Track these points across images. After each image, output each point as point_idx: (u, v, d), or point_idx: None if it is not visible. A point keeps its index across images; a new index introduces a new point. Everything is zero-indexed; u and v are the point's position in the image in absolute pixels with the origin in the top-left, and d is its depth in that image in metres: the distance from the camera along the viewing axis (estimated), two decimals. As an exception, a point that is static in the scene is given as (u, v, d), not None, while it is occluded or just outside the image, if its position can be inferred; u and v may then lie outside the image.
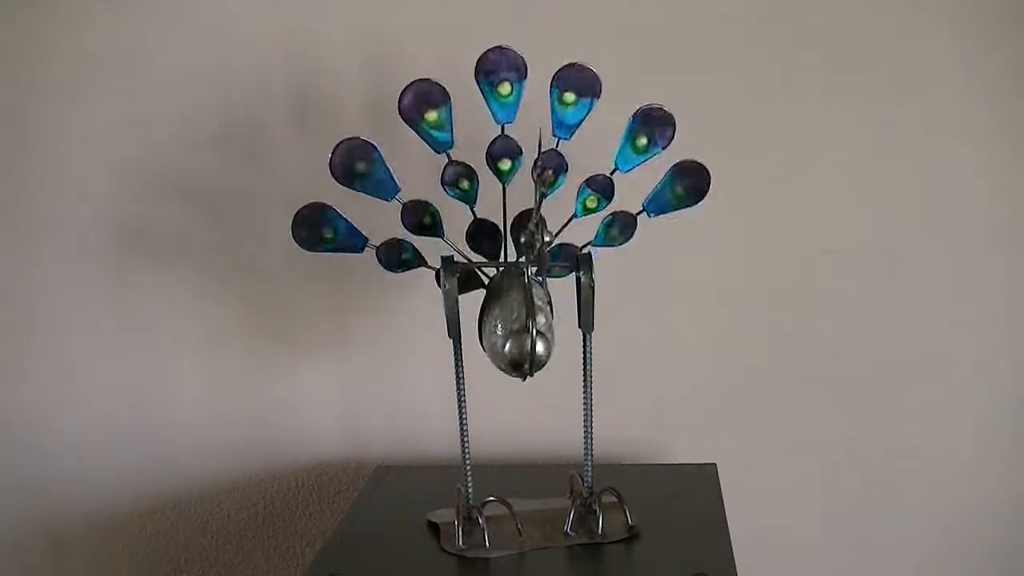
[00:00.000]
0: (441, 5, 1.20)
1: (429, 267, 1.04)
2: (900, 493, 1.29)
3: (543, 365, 0.94)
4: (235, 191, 1.25)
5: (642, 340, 1.25)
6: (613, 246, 1.05)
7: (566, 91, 1.00)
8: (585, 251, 1.03)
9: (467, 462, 1.04)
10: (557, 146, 1.02)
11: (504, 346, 0.94)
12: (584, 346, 1.04)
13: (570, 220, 1.03)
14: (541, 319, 0.93)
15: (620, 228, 1.05)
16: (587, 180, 1.03)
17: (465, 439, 1.04)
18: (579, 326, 1.03)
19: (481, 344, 1.00)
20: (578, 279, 1.01)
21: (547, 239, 0.92)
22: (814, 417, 1.27)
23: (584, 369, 1.05)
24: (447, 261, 1.00)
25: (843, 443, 1.28)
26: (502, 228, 1.05)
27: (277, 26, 1.22)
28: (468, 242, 1.06)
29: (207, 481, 1.33)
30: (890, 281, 1.23)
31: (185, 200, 1.26)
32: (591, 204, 1.04)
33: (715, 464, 1.19)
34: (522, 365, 0.93)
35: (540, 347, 0.92)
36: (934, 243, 1.22)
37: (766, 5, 1.18)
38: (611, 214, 1.04)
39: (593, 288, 1.01)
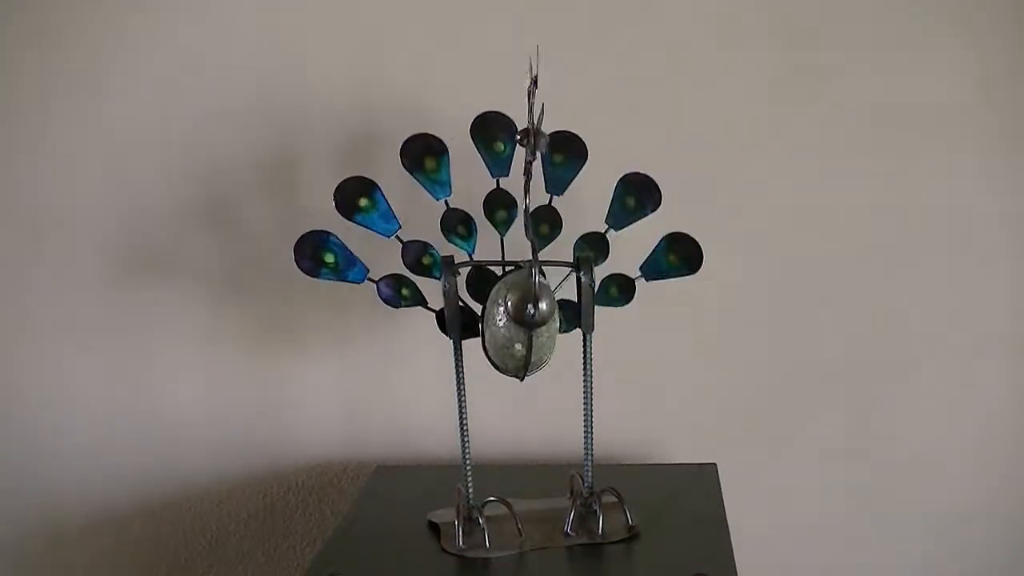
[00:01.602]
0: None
1: (429, 309, 1.05)
2: (900, 493, 1.29)
3: (545, 320, 0.95)
4: (236, 192, 1.25)
5: (642, 340, 1.25)
6: (614, 306, 1.06)
7: (555, 152, 1.04)
8: (585, 252, 1.04)
9: (467, 462, 1.04)
10: (551, 202, 1.05)
11: (507, 297, 0.94)
12: (584, 346, 1.04)
13: (568, 275, 1.05)
14: (544, 280, 0.94)
15: (619, 290, 1.06)
16: (582, 237, 1.06)
17: (465, 439, 1.04)
18: (579, 326, 1.03)
19: (483, 345, 1.00)
20: (578, 279, 1.01)
21: (544, 138, 0.92)
22: (814, 417, 1.27)
23: (584, 369, 1.05)
24: (447, 261, 1.01)
25: (843, 443, 1.28)
26: (501, 275, 1.05)
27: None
28: (468, 289, 1.06)
29: (207, 481, 1.33)
30: (890, 281, 1.24)
31: (185, 200, 1.26)
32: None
33: (715, 464, 1.19)
34: (526, 310, 0.93)
35: (544, 303, 0.93)
36: (934, 243, 1.22)
37: (766, 5, 1.18)
38: (609, 276, 1.06)
39: (593, 288, 1.01)
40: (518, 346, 0.97)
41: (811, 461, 1.29)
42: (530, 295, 0.93)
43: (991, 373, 1.25)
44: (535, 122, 0.91)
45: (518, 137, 0.93)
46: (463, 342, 1.03)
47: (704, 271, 1.23)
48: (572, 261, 1.03)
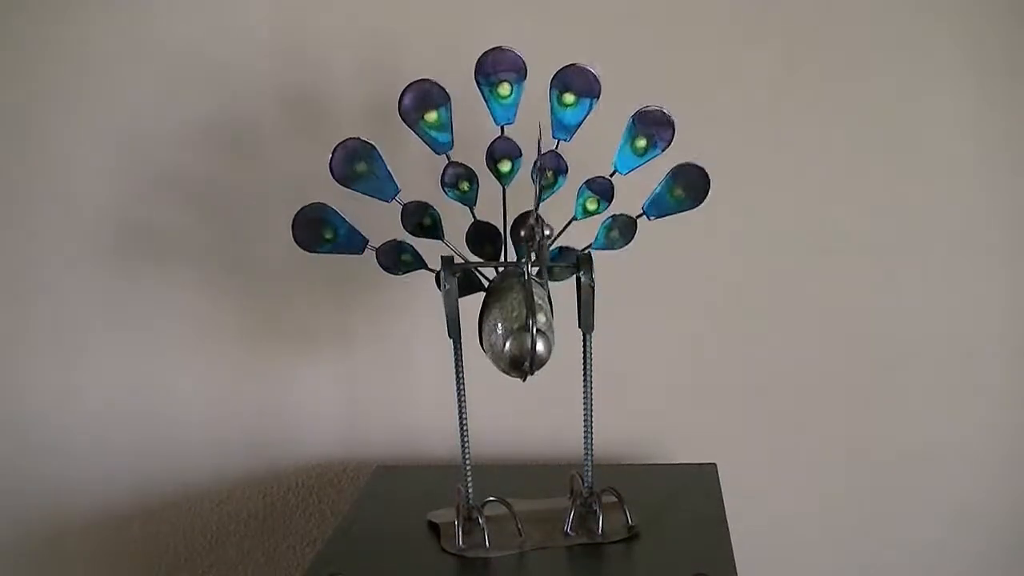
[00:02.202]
0: (440, 5, 1.20)
1: (429, 269, 1.04)
2: (900, 493, 1.29)
3: (543, 364, 0.94)
4: (235, 190, 1.25)
5: (642, 340, 1.25)
6: (613, 248, 1.05)
7: (565, 92, 1.00)
8: (585, 252, 1.03)
9: (467, 462, 1.04)
10: (557, 147, 1.02)
11: (504, 345, 0.94)
12: (584, 346, 1.04)
13: (570, 222, 1.03)
14: (541, 318, 0.93)
15: (620, 230, 1.05)
16: (587, 182, 1.03)
17: (465, 439, 1.04)
18: (579, 326, 1.03)
19: (481, 344, 1.00)
20: (578, 279, 1.01)
21: (547, 233, 0.92)
22: (814, 417, 1.27)
23: (584, 369, 1.05)
24: (447, 261, 1.00)
25: (843, 443, 1.28)
26: (502, 230, 1.05)
27: (277, 27, 1.22)
28: (468, 245, 1.06)
29: (207, 481, 1.33)
30: (890, 281, 1.24)
31: (185, 199, 1.26)
32: (591, 206, 1.04)
33: (715, 464, 1.19)
34: (522, 363, 0.93)
35: (540, 346, 0.92)
36: (934, 243, 1.22)
37: (767, 5, 1.18)
38: (611, 216, 1.04)
39: (593, 288, 1.01)
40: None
41: (811, 461, 1.29)
42: (526, 353, 0.92)
43: (991, 373, 1.25)
44: (539, 239, 0.92)
45: (522, 233, 0.94)
46: (463, 342, 1.03)
47: (704, 271, 1.24)
48: (572, 261, 1.03)
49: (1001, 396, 1.25)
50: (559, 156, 1.02)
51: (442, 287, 1.00)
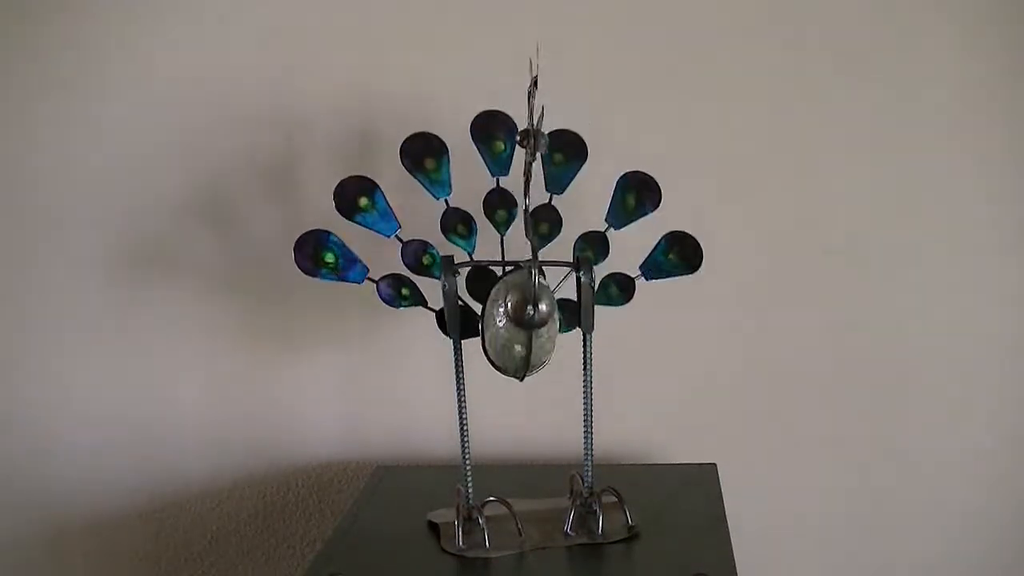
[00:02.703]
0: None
1: (429, 308, 1.05)
2: (900, 493, 1.29)
3: (544, 321, 0.95)
4: (235, 194, 1.25)
5: (642, 340, 1.25)
6: (613, 305, 1.06)
7: (555, 151, 1.04)
8: (585, 252, 1.04)
9: (467, 462, 1.04)
10: (551, 201, 1.05)
11: (507, 300, 0.94)
12: (584, 346, 1.04)
13: (568, 275, 1.04)
14: (544, 297, 0.94)
15: (618, 289, 1.06)
16: (582, 236, 1.05)
17: (465, 439, 1.04)
18: (579, 326, 1.03)
19: (483, 346, 1.00)
20: (578, 279, 1.01)
21: (543, 139, 0.92)
22: (814, 417, 1.27)
23: (584, 369, 1.05)
24: (447, 261, 1.01)
25: (843, 443, 1.28)
26: (501, 275, 1.05)
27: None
28: (467, 287, 1.06)
29: (207, 481, 1.33)
30: (890, 281, 1.23)
31: (185, 202, 1.26)
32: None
33: (715, 464, 1.19)
34: (526, 308, 0.93)
35: (544, 304, 0.93)
36: (934, 243, 1.22)
37: (766, 6, 1.18)
38: (608, 275, 1.06)
39: (593, 288, 1.01)
40: (518, 347, 0.97)
41: (811, 461, 1.29)
42: (530, 296, 0.93)
43: (991, 373, 1.25)
44: (535, 123, 0.91)
45: (518, 138, 0.93)
46: (463, 342, 1.03)
47: (704, 271, 1.23)
48: (572, 261, 1.03)
49: (1001, 397, 1.25)
50: (553, 208, 1.05)
51: (442, 287, 1.00)
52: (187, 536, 1.35)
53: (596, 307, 1.03)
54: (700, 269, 1.04)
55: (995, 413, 1.26)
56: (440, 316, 1.03)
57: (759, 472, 1.28)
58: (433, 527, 1.07)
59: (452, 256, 1.01)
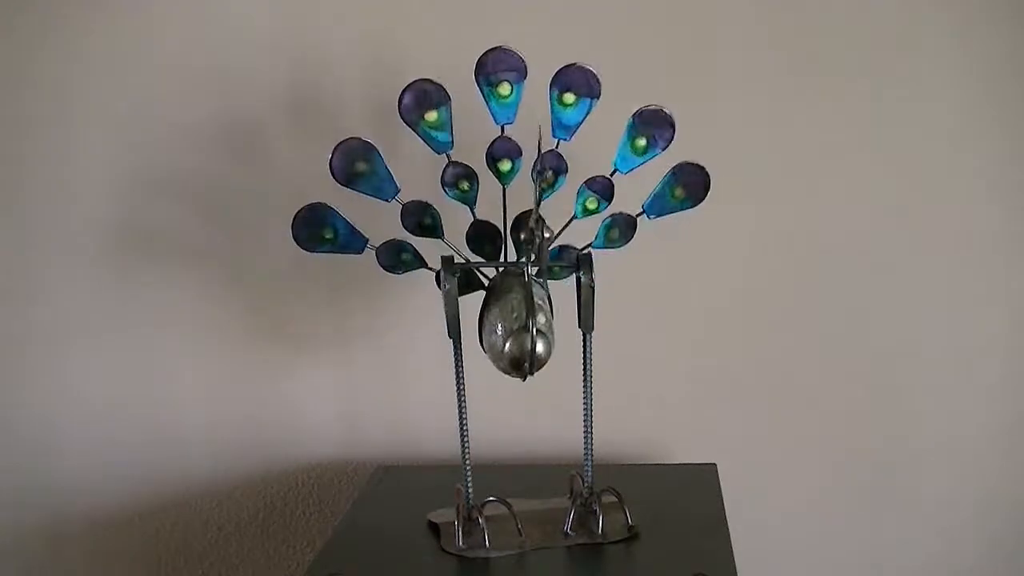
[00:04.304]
0: (442, 7, 1.20)
1: (429, 268, 1.04)
2: (900, 493, 1.29)
3: (543, 364, 0.94)
4: (235, 191, 1.25)
5: (642, 340, 1.25)
6: (613, 248, 1.05)
7: (565, 91, 1.00)
8: (585, 252, 1.03)
9: (467, 462, 1.04)
10: (557, 147, 1.02)
11: (504, 346, 0.94)
12: (584, 346, 1.04)
13: (570, 222, 1.03)
14: (541, 318, 0.93)
15: (620, 230, 1.05)
16: (587, 181, 1.03)
17: (465, 439, 1.04)
18: (579, 326, 1.03)
19: (481, 344, 1.00)
20: (578, 279, 1.01)
21: (546, 235, 0.92)
22: (814, 417, 1.27)
23: (584, 369, 1.05)
24: (447, 261, 1.00)
25: (843, 443, 1.28)
26: (502, 229, 1.05)
27: (278, 27, 1.22)
28: (468, 244, 1.06)
29: (207, 481, 1.33)
30: (890, 281, 1.23)
31: (185, 201, 1.26)
32: (591, 206, 1.04)
33: (715, 464, 1.19)
34: (522, 364, 0.93)
35: (540, 347, 0.92)
36: (934, 243, 1.22)
37: (766, 5, 1.18)
38: (611, 216, 1.04)
39: (593, 288, 1.01)
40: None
41: (811, 461, 1.29)
42: (526, 353, 0.92)
43: (991, 371, 1.25)
44: (542, 236, 0.93)
45: (523, 236, 0.94)
46: (463, 342, 1.03)
47: (704, 271, 1.24)
48: (572, 260, 1.03)
49: (1001, 396, 1.25)
50: (559, 156, 1.02)
51: (442, 287, 1.00)
52: (187, 536, 1.35)
53: (596, 250, 1.02)
54: (706, 200, 1.02)
55: (996, 412, 1.26)
56: (439, 276, 1.01)
57: (759, 472, 1.28)
58: (433, 527, 1.07)
59: (452, 256, 1.01)
